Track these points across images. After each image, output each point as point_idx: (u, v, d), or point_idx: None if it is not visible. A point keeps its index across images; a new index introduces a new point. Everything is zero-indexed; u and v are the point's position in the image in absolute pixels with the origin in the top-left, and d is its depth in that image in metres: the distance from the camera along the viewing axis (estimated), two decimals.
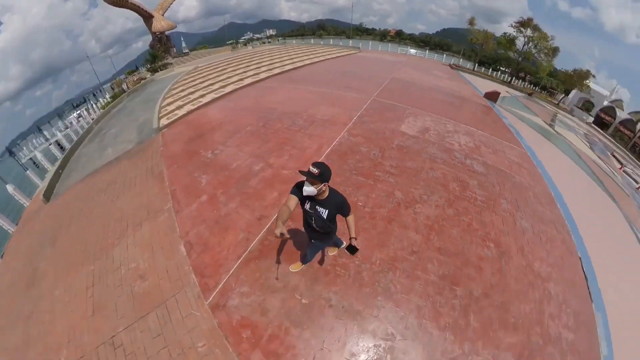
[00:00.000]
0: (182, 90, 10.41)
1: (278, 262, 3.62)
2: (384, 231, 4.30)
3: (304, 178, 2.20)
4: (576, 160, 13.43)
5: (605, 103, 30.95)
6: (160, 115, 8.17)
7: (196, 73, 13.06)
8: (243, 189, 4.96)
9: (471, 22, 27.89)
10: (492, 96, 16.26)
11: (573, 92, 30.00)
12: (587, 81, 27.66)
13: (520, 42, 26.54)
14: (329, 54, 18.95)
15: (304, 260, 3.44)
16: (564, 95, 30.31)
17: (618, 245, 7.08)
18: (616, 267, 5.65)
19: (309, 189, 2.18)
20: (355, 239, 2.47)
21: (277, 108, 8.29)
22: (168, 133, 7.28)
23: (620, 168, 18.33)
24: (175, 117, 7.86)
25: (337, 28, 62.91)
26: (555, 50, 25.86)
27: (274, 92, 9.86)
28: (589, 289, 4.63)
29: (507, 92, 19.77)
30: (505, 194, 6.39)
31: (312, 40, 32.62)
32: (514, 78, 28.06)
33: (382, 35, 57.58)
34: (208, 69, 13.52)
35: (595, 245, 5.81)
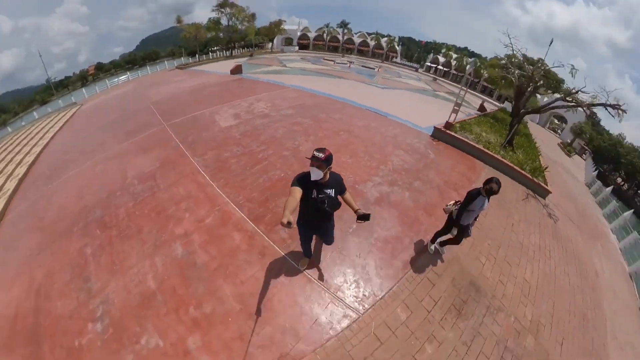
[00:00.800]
0: None
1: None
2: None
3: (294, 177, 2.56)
4: (309, 74, 21.59)
5: (299, 34, 47.92)
6: None
7: None
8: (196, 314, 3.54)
9: (179, 20, 30.78)
10: (237, 70, 19.76)
11: (276, 38, 42.70)
12: (282, 27, 40.13)
13: (225, 21, 32.77)
14: (51, 128, 14.59)
15: (308, 254, 3.84)
16: (271, 43, 42.01)
17: (369, 93, 16.12)
18: (379, 100, 13.26)
19: (317, 173, 2.45)
20: (359, 209, 2.74)
21: (86, 206, 6.52)
22: None
23: (333, 63, 30.89)
24: None
25: (21, 100, 45.63)
26: (253, 16, 34.50)
27: (49, 198, 7.39)
28: (381, 114, 10.22)
29: (237, 62, 24.00)
30: (318, 112, 10.37)
31: (8, 128, 21.83)
32: (230, 50, 34.08)
33: (83, 78, 48.77)
34: None
35: (366, 100, 12.24)
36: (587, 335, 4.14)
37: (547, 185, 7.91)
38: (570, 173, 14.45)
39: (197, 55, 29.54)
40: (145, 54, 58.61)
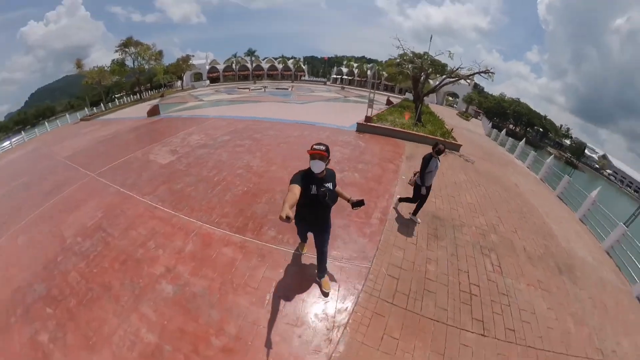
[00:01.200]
0: None
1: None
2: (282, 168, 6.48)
3: (292, 175, 2.63)
4: (229, 103, 22.88)
5: (208, 67, 47.97)
6: None
7: None
8: None
9: (79, 64, 27.58)
10: (154, 111, 18.58)
11: (185, 75, 41.01)
12: (190, 62, 38.66)
13: (130, 62, 30.30)
14: None
15: (304, 239, 3.96)
16: (181, 81, 39.71)
17: (290, 109, 18.09)
18: (302, 113, 15.24)
19: (319, 165, 2.54)
20: (351, 198, 2.88)
21: (19, 287, 5.06)
22: None
23: (249, 90, 32.33)
24: None
25: None
26: (160, 53, 32.45)
27: None
28: (308, 124, 11.64)
29: (150, 104, 22.58)
30: (252, 133, 10.91)
31: None
32: (139, 94, 31.73)
33: None
34: None
35: (290, 116, 14.26)
36: (530, 221, 5.68)
37: (456, 141, 10.10)
38: (472, 131, 18.43)
39: (102, 104, 26.20)
40: (37, 111, 49.39)
